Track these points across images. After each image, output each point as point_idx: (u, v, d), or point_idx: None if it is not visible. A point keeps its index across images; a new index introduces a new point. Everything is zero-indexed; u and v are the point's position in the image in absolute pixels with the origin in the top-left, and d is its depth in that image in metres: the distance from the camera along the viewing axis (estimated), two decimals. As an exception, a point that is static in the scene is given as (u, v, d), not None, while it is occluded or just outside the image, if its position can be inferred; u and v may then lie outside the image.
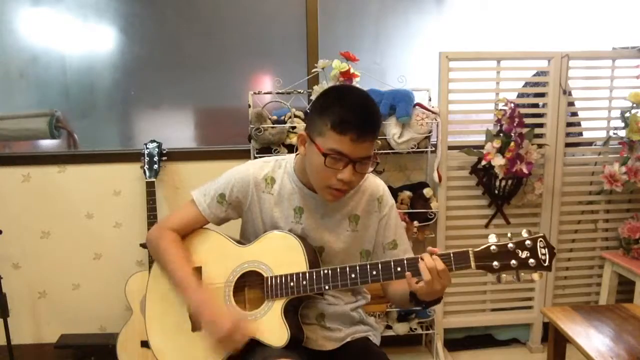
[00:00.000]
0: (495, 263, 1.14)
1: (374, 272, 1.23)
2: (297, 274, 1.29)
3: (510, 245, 1.14)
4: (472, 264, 1.16)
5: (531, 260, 1.13)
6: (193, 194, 1.44)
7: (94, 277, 2.53)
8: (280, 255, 1.32)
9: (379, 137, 2.27)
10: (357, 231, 1.40)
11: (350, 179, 1.23)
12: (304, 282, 1.28)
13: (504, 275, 1.15)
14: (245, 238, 1.47)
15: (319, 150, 1.22)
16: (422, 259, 1.19)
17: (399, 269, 1.21)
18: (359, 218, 1.40)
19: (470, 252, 1.16)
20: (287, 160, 1.42)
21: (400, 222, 1.46)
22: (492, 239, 1.16)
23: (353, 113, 1.19)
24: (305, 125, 1.31)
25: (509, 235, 1.17)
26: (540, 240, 1.14)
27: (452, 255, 1.17)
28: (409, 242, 1.47)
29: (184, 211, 1.44)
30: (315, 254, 1.35)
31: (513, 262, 1.14)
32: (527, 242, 1.14)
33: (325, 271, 1.27)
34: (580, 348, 1.67)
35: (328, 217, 1.38)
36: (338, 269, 1.26)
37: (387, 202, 1.42)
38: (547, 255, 1.13)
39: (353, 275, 1.25)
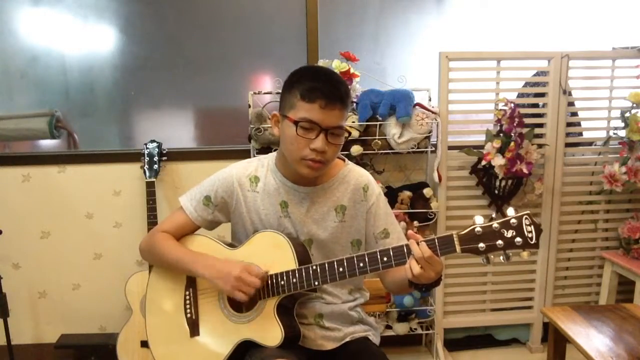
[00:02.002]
0: (481, 245, 1.12)
1: (361, 264, 1.23)
2: (287, 272, 1.29)
3: (495, 225, 1.12)
4: (457, 247, 1.14)
5: (517, 239, 1.10)
6: (180, 199, 1.46)
7: (94, 277, 2.53)
8: (270, 254, 1.32)
9: (379, 137, 2.29)
10: (345, 221, 1.40)
11: (323, 148, 1.25)
12: (294, 280, 1.28)
13: (492, 256, 1.14)
14: (236, 240, 1.48)
15: (290, 122, 1.26)
16: (407, 247, 1.18)
17: (385, 258, 1.21)
18: (346, 208, 1.40)
19: (454, 235, 1.14)
20: (269, 158, 1.45)
21: (390, 210, 1.45)
22: (478, 220, 1.14)
23: (320, 82, 1.25)
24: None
25: (493, 215, 1.14)
26: (526, 218, 1.11)
27: (436, 240, 1.15)
28: (401, 229, 1.47)
29: (173, 217, 1.46)
30: (305, 250, 1.36)
31: (499, 242, 1.11)
32: (512, 220, 1.11)
33: (314, 267, 1.27)
34: (580, 348, 1.67)
35: (314, 210, 1.39)
36: (326, 264, 1.26)
37: (373, 191, 1.42)
38: (534, 233, 1.11)
39: (341, 269, 1.25)
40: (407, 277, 1.21)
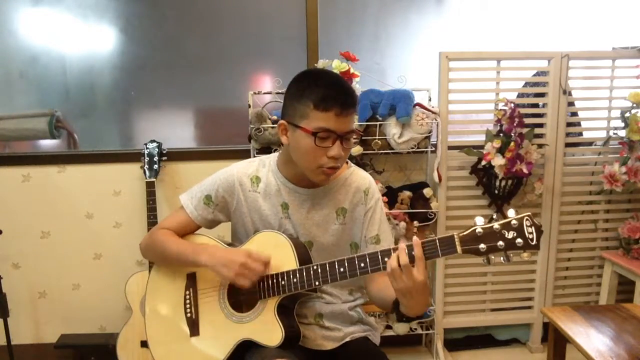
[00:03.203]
0: (481, 246, 1.11)
1: (362, 265, 1.22)
2: (287, 272, 1.29)
3: (496, 226, 1.11)
4: (458, 248, 1.13)
5: (518, 240, 1.10)
6: (181, 198, 1.46)
7: (94, 277, 2.53)
8: (271, 254, 1.32)
9: (379, 137, 2.29)
10: (346, 224, 1.40)
11: (340, 154, 1.26)
12: (295, 280, 1.28)
13: (493, 257, 1.13)
14: (236, 240, 1.48)
15: (306, 132, 1.25)
16: (409, 247, 1.16)
17: (386, 259, 1.19)
18: (347, 211, 1.40)
19: (455, 236, 1.13)
20: (271, 159, 1.44)
21: (385, 218, 1.45)
22: (479, 221, 1.14)
23: (332, 90, 1.24)
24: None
25: (494, 216, 1.14)
26: (527, 219, 1.11)
27: (437, 240, 1.15)
28: (393, 239, 1.46)
29: (174, 216, 1.46)
30: (306, 251, 1.36)
31: (500, 243, 1.11)
32: (513, 222, 1.11)
33: (315, 267, 1.27)
34: (580, 348, 1.67)
35: (315, 212, 1.39)
36: (327, 264, 1.26)
37: (373, 195, 1.42)
38: (534, 234, 1.10)
39: (342, 269, 1.24)
40: (393, 297, 1.21)
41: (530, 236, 1.11)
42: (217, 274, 1.31)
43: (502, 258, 1.13)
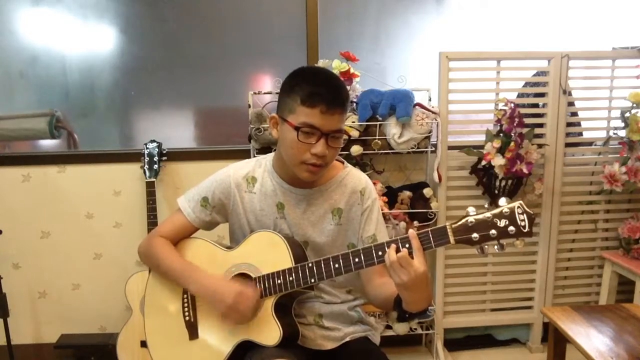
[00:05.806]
0: (474, 235, 1.12)
1: (357, 260, 1.22)
2: (283, 270, 1.29)
3: (488, 215, 1.12)
4: (451, 238, 1.14)
5: (511, 228, 1.10)
6: (178, 201, 1.46)
7: (94, 277, 2.53)
8: (266, 254, 1.32)
9: (379, 137, 2.29)
10: (342, 225, 1.40)
11: (324, 152, 1.26)
12: (291, 278, 1.28)
13: (486, 246, 1.14)
14: (234, 240, 1.48)
15: (290, 126, 1.26)
16: (403, 240, 1.17)
17: (380, 252, 1.19)
18: (342, 211, 1.40)
19: (447, 226, 1.14)
20: (267, 159, 1.45)
21: (382, 219, 1.45)
22: (471, 210, 1.14)
23: (320, 87, 1.24)
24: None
25: (486, 206, 1.15)
26: (519, 207, 1.11)
27: (430, 232, 1.15)
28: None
29: (172, 220, 1.46)
30: (301, 249, 1.36)
31: (492, 232, 1.11)
32: (505, 210, 1.11)
33: (310, 265, 1.27)
34: (580, 348, 1.67)
35: (310, 212, 1.39)
36: (322, 261, 1.26)
37: (369, 194, 1.42)
38: (526, 221, 1.11)
39: (337, 265, 1.24)
40: (394, 295, 1.21)
41: (523, 223, 1.11)
42: (208, 304, 1.32)
43: (495, 247, 1.13)
